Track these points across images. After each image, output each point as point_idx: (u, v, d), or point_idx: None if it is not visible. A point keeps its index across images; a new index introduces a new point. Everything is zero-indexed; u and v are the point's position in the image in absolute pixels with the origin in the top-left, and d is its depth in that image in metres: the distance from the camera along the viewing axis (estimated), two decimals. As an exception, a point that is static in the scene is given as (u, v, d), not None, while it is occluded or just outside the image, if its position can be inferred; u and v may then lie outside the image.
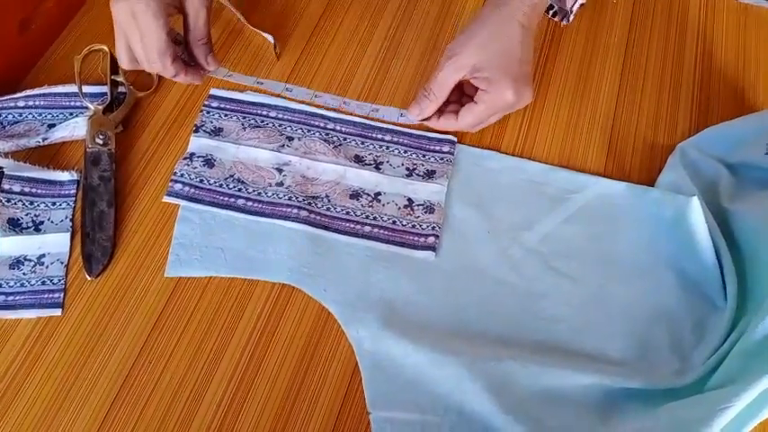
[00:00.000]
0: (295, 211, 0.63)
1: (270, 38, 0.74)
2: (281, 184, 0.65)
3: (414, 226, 0.64)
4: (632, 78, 0.75)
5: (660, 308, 0.61)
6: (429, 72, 0.68)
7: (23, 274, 0.60)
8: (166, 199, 0.64)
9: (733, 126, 0.66)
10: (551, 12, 0.77)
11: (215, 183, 0.65)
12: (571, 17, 0.76)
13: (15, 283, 0.59)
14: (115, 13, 0.61)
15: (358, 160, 0.67)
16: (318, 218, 0.64)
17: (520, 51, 0.63)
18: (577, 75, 0.75)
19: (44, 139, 0.66)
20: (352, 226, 0.64)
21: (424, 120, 0.68)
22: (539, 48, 0.76)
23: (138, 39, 0.61)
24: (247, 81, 0.72)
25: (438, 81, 0.64)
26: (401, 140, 0.69)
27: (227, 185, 0.65)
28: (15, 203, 0.62)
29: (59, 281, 0.60)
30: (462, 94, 0.67)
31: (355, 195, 0.65)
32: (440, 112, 0.67)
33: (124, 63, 0.64)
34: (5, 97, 0.68)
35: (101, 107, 0.66)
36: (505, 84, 0.62)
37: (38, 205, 0.63)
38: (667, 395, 0.55)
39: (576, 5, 0.74)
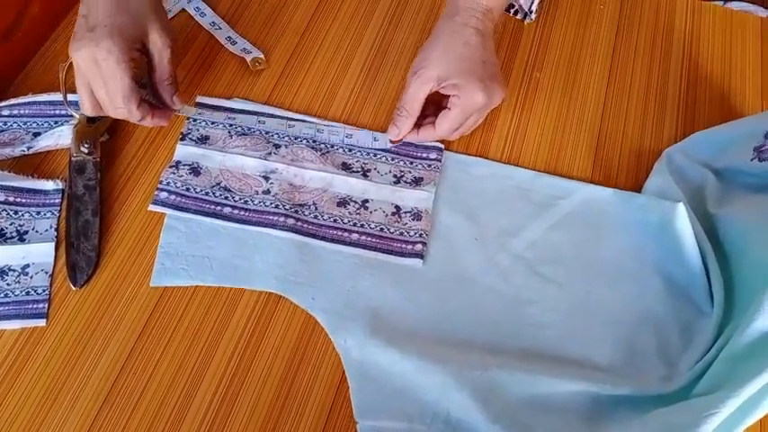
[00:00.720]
0: (282, 219, 0.63)
1: (254, 55, 0.74)
2: (267, 191, 0.65)
3: (401, 233, 0.64)
4: (619, 85, 0.75)
5: (647, 313, 0.61)
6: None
7: (7, 284, 0.59)
8: (152, 208, 0.64)
9: (719, 131, 0.66)
10: (512, 10, 0.77)
11: (201, 191, 0.65)
12: (533, 15, 0.76)
13: (-1, 294, 0.59)
14: (76, 61, 0.59)
15: (345, 168, 0.67)
16: (305, 226, 0.63)
17: (480, 54, 0.64)
18: (564, 82, 0.75)
19: (29, 148, 0.65)
20: (339, 233, 0.63)
21: (400, 139, 0.67)
22: (525, 57, 0.77)
23: (102, 85, 0.59)
24: (218, 117, 0.69)
25: (408, 97, 0.64)
26: (388, 147, 0.69)
27: (214, 193, 0.65)
28: (-1, 213, 0.62)
29: (44, 291, 0.59)
30: (439, 109, 0.67)
31: (343, 203, 0.65)
32: (417, 126, 0.67)
33: (88, 110, 0.62)
34: (-10, 106, 0.68)
35: (85, 116, 0.66)
36: (473, 86, 0.62)
37: (22, 215, 0.62)
38: (655, 401, 0.55)
39: (535, 4, 0.75)
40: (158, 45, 0.63)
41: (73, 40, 0.59)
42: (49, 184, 0.64)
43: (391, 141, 0.68)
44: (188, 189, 0.65)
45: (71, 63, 0.69)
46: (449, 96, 0.64)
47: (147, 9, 0.63)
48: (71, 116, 0.67)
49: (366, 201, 0.66)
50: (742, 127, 0.65)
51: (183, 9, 0.77)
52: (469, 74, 0.63)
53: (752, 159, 0.61)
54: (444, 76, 0.63)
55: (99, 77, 0.59)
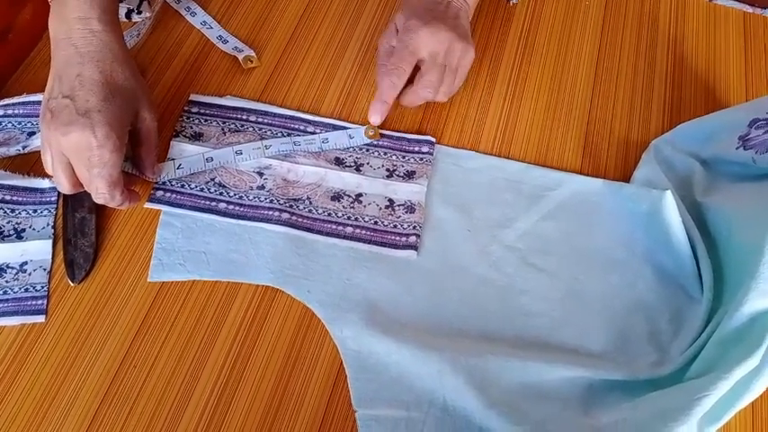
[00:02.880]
0: (276, 213, 0.64)
1: (246, 53, 0.75)
2: (262, 187, 0.66)
3: (395, 226, 0.65)
4: (606, 78, 0.76)
5: (637, 300, 0.62)
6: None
7: (6, 281, 0.60)
8: (148, 205, 0.64)
9: (705, 122, 0.67)
10: None
11: (196, 187, 0.65)
12: None
13: (-2, 291, 0.59)
14: (60, 144, 0.56)
15: (338, 162, 0.68)
16: (300, 220, 0.64)
17: (444, 9, 0.68)
18: (552, 75, 0.76)
19: (24, 147, 0.66)
20: (333, 227, 0.64)
21: (388, 105, 0.68)
22: (512, 51, 0.78)
23: (86, 169, 0.57)
24: (198, 166, 0.66)
25: (378, 53, 0.69)
26: (381, 142, 0.70)
27: (209, 189, 0.65)
28: (-4, 211, 0.62)
29: (42, 288, 0.60)
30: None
31: (336, 197, 0.66)
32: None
33: (67, 190, 0.60)
34: (-16, 106, 0.68)
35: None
36: (434, 25, 0.66)
37: (19, 213, 0.63)
38: (647, 386, 0.57)
39: None
40: (147, 122, 0.63)
41: (56, 121, 0.56)
42: (44, 183, 0.64)
43: (380, 108, 0.68)
44: (183, 186, 0.65)
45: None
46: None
47: (135, 85, 0.61)
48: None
49: (359, 195, 0.66)
50: (727, 117, 0.66)
51: (174, 9, 0.78)
52: (430, 17, 0.66)
53: (737, 148, 0.63)
54: (403, 19, 0.67)
55: (85, 162, 0.57)
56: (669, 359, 0.58)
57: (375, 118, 0.68)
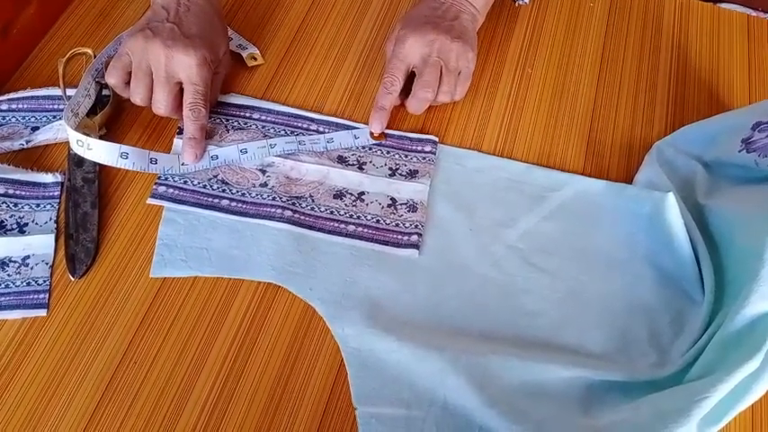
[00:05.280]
0: (279, 211, 0.64)
1: (250, 51, 0.75)
2: (264, 184, 0.66)
3: (397, 225, 0.65)
4: (609, 79, 0.76)
5: (638, 302, 0.62)
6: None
7: (8, 275, 0.60)
8: (151, 201, 0.64)
9: (707, 124, 0.68)
10: None
11: (199, 184, 0.65)
12: None
13: (0, 285, 0.59)
14: (165, 57, 0.63)
15: (341, 161, 0.68)
16: (302, 218, 0.64)
17: (442, 14, 0.70)
18: (556, 76, 0.76)
19: (28, 142, 0.66)
20: (336, 225, 0.64)
21: (387, 110, 0.69)
22: (516, 53, 0.78)
23: (186, 83, 0.65)
24: (203, 164, 0.67)
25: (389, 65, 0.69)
26: (384, 142, 0.70)
27: (211, 186, 0.65)
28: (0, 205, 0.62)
29: (44, 282, 0.60)
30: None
31: (339, 195, 0.66)
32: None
33: (142, 98, 0.66)
34: (-12, 101, 0.68)
35: (85, 109, 0.67)
36: (425, 28, 0.67)
37: (22, 207, 0.63)
38: (647, 387, 0.56)
39: None
40: (222, 67, 0.70)
41: (158, 38, 0.63)
42: (48, 177, 0.65)
43: (378, 116, 0.69)
44: (185, 182, 0.65)
45: (69, 58, 0.70)
46: None
47: (224, 31, 0.71)
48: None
49: (362, 193, 0.66)
50: (730, 119, 0.66)
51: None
52: (422, 23, 0.68)
53: (740, 151, 0.63)
54: (398, 28, 0.70)
55: (179, 77, 0.65)
56: (669, 360, 0.58)
57: (375, 126, 0.69)
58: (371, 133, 0.69)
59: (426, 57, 0.67)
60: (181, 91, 0.66)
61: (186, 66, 0.64)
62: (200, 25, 0.66)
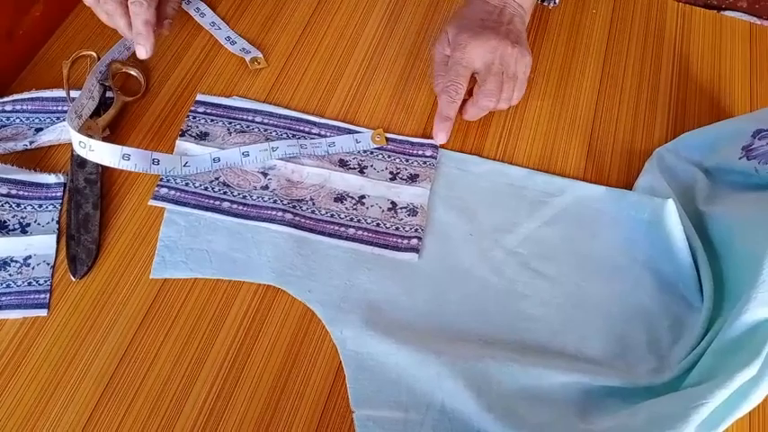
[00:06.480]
0: (280, 213, 0.64)
1: (253, 54, 0.75)
2: (266, 187, 0.66)
3: (397, 228, 0.65)
4: (611, 85, 0.76)
5: (637, 308, 0.62)
6: (410, 82, 0.74)
7: (9, 275, 0.60)
8: (152, 203, 0.65)
9: (708, 131, 0.68)
10: None
11: (200, 186, 0.66)
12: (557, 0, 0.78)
13: (1, 284, 0.59)
14: None
15: (342, 164, 0.68)
16: (303, 220, 0.64)
17: (497, 18, 0.70)
18: (557, 81, 0.76)
19: (31, 143, 0.66)
20: (336, 228, 0.64)
21: (451, 121, 0.69)
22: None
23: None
24: (205, 166, 0.67)
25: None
26: (385, 146, 0.70)
27: (213, 189, 0.66)
28: (2, 205, 0.63)
29: (45, 282, 0.60)
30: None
31: (339, 198, 0.66)
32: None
33: (118, 23, 0.68)
34: (-7, 101, 0.69)
35: (88, 111, 0.67)
36: (485, 35, 0.67)
37: (24, 207, 0.63)
38: (645, 393, 0.57)
39: None
40: None
41: None
42: (50, 178, 0.65)
43: (444, 127, 0.69)
44: (187, 184, 0.66)
45: (74, 60, 0.71)
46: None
47: None
48: (73, 112, 0.68)
49: (362, 197, 0.67)
50: (730, 127, 0.66)
51: (184, 9, 0.78)
52: (480, 28, 0.67)
53: (740, 158, 0.63)
54: (455, 31, 0.69)
55: None
56: (668, 366, 0.58)
57: (441, 136, 0.69)
58: (373, 137, 0.69)
59: (489, 64, 0.67)
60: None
61: None
62: None
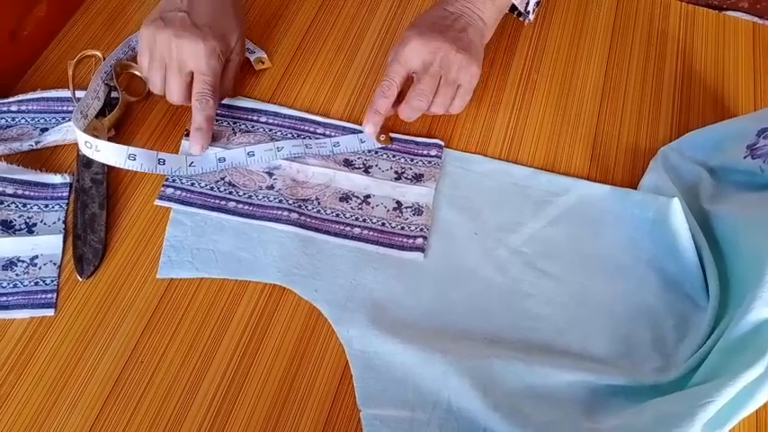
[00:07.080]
0: (285, 213, 0.64)
1: (257, 55, 0.75)
2: (271, 187, 0.66)
3: (402, 228, 0.65)
4: (615, 85, 0.77)
5: (642, 307, 0.62)
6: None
7: (16, 275, 0.60)
8: (158, 203, 0.65)
9: (712, 130, 0.68)
10: (516, 12, 0.78)
11: (206, 186, 0.66)
12: (531, 16, 0.77)
13: (8, 284, 0.60)
14: (176, 47, 0.65)
15: (347, 164, 0.68)
16: (308, 220, 0.65)
17: (451, 23, 0.69)
18: (561, 81, 0.77)
19: (37, 143, 0.66)
20: (341, 228, 0.65)
21: (381, 116, 0.69)
22: (522, 58, 0.78)
23: (196, 72, 0.66)
24: (210, 166, 0.67)
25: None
26: (389, 145, 0.70)
27: (218, 189, 0.66)
28: (8, 206, 0.63)
29: (52, 281, 0.60)
30: None
31: (345, 198, 0.66)
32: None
33: (158, 88, 0.68)
34: (-2, 102, 0.69)
35: (94, 111, 0.67)
36: (428, 36, 0.66)
37: (30, 207, 0.63)
38: (650, 391, 0.57)
39: (531, 5, 0.75)
40: (236, 54, 0.71)
41: (169, 28, 0.64)
42: (56, 178, 0.65)
43: (373, 119, 0.69)
44: (193, 184, 0.66)
45: (79, 60, 0.71)
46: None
47: (238, 19, 0.71)
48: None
49: (368, 196, 0.67)
50: (735, 126, 0.66)
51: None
52: (429, 29, 0.67)
53: (745, 157, 0.63)
54: (405, 32, 0.68)
55: (188, 67, 0.66)
56: (673, 365, 0.58)
57: (368, 127, 0.69)
58: (378, 137, 0.70)
59: (428, 64, 0.67)
60: (193, 80, 0.67)
61: (195, 56, 0.65)
62: (212, 14, 0.67)
